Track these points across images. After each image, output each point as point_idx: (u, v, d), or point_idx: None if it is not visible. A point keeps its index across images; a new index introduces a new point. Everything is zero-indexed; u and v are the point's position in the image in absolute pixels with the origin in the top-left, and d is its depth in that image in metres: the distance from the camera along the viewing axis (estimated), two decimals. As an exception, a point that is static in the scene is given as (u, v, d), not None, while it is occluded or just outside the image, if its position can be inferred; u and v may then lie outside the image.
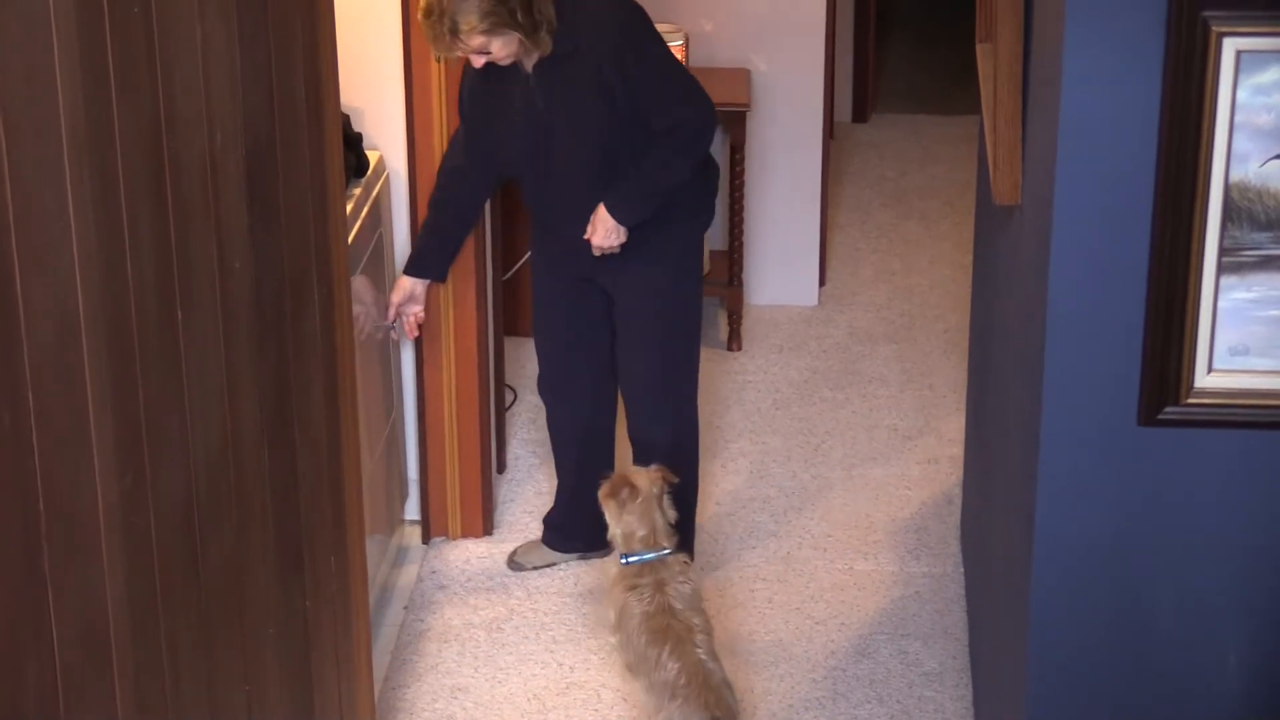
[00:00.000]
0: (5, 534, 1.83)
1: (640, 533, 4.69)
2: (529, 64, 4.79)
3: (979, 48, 4.44)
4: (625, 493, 4.70)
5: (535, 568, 5.49)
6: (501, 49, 4.71)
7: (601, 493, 4.77)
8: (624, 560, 4.70)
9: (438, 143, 5.17)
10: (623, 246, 4.94)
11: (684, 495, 5.26)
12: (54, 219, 1.95)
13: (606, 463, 5.37)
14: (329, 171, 3.20)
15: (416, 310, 5.16)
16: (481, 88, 4.89)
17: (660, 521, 4.72)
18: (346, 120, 4.93)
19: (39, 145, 1.91)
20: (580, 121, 4.82)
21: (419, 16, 4.69)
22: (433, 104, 5.15)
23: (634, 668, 4.62)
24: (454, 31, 4.62)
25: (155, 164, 2.28)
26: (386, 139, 5.23)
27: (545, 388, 5.37)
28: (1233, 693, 3.38)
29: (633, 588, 4.65)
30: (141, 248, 2.22)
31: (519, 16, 4.64)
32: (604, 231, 4.90)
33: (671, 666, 4.48)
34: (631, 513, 4.70)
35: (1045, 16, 3.40)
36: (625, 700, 4.86)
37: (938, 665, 5.02)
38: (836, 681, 4.96)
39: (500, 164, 5.06)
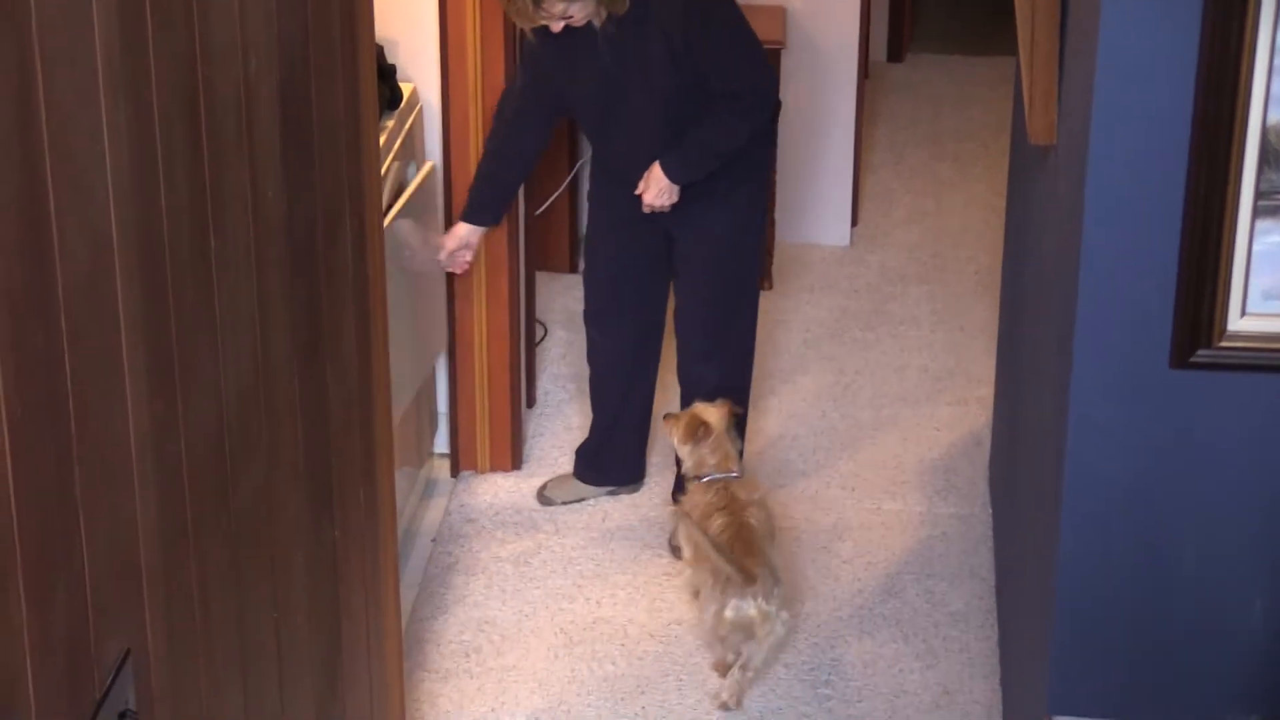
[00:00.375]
0: (38, 456, 1.83)
1: (712, 460, 4.86)
2: (599, 21, 4.79)
3: (1017, -13, 4.41)
4: (701, 431, 4.87)
5: (565, 502, 5.50)
6: (580, 11, 4.73)
7: (677, 436, 4.92)
8: (698, 480, 4.87)
9: (471, 76, 5.16)
10: (686, 191, 4.95)
11: (740, 432, 5.29)
12: (89, 144, 1.95)
13: (646, 400, 5.39)
14: (362, 103, 3.20)
15: (468, 255, 5.18)
16: (551, 41, 4.89)
17: (731, 450, 4.90)
18: (380, 52, 4.92)
19: (74, 72, 1.91)
20: (648, 80, 4.84)
21: None
22: (467, 37, 5.13)
23: (697, 577, 4.76)
24: (537, 2, 4.64)
25: (190, 91, 2.27)
26: (420, 71, 5.22)
27: (591, 319, 5.37)
28: (1259, 637, 3.37)
29: (706, 497, 4.82)
30: (175, 174, 2.21)
31: None
32: (656, 190, 4.94)
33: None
34: (704, 447, 4.88)
35: (1084, -44, 3.38)
36: (652, 636, 4.88)
37: (963, 606, 5.03)
38: (863, 620, 4.97)
39: (564, 113, 5.11)
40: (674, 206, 5.00)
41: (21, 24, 1.77)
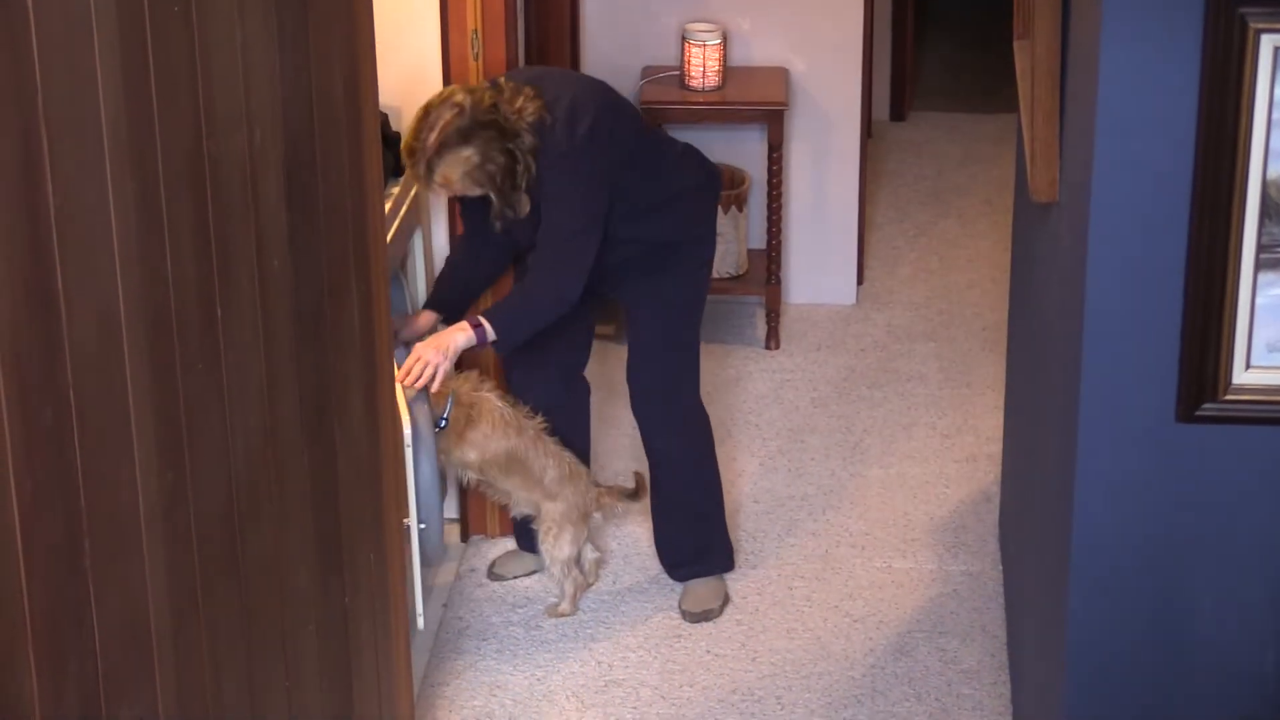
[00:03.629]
0: (47, 529, 1.84)
1: (434, 411, 4.93)
2: (498, 208, 4.78)
3: (1016, 44, 4.44)
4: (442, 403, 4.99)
5: (516, 577, 5.45)
6: (476, 192, 4.73)
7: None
8: (442, 423, 4.98)
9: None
10: (627, 265, 4.94)
11: (706, 500, 5.28)
12: (95, 218, 1.96)
13: (583, 453, 5.34)
14: (367, 171, 3.22)
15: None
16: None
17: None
18: (385, 119, 4.95)
19: (81, 145, 1.92)
20: (527, 227, 4.84)
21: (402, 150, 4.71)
22: (471, 103, 5.15)
23: (511, 492, 5.15)
24: (428, 179, 4.65)
25: (195, 163, 2.29)
26: (425, 138, 5.23)
27: (513, 386, 5.32)
28: (1272, 691, 3.37)
29: (470, 423, 5.02)
30: (181, 246, 2.23)
31: (498, 180, 4.67)
32: (430, 349, 4.74)
33: (550, 464, 5.11)
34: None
35: (1083, 13, 3.40)
36: (664, 699, 4.87)
37: (976, 663, 5.02)
38: (875, 679, 4.96)
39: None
40: (620, 274, 4.98)
41: (28, 96, 1.78)
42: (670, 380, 5.17)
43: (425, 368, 4.71)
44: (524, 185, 4.71)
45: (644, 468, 5.49)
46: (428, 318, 5.03)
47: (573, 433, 5.31)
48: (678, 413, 5.21)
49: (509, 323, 4.82)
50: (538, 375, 5.25)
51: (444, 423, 5.01)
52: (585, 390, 5.37)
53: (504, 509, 5.40)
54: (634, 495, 5.33)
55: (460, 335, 4.77)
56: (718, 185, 5.15)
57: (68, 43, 1.89)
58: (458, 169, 4.62)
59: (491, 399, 5.09)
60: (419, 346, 4.76)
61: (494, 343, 4.81)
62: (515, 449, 5.08)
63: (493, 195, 4.70)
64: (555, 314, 4.86)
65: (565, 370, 5.29)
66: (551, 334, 5.11)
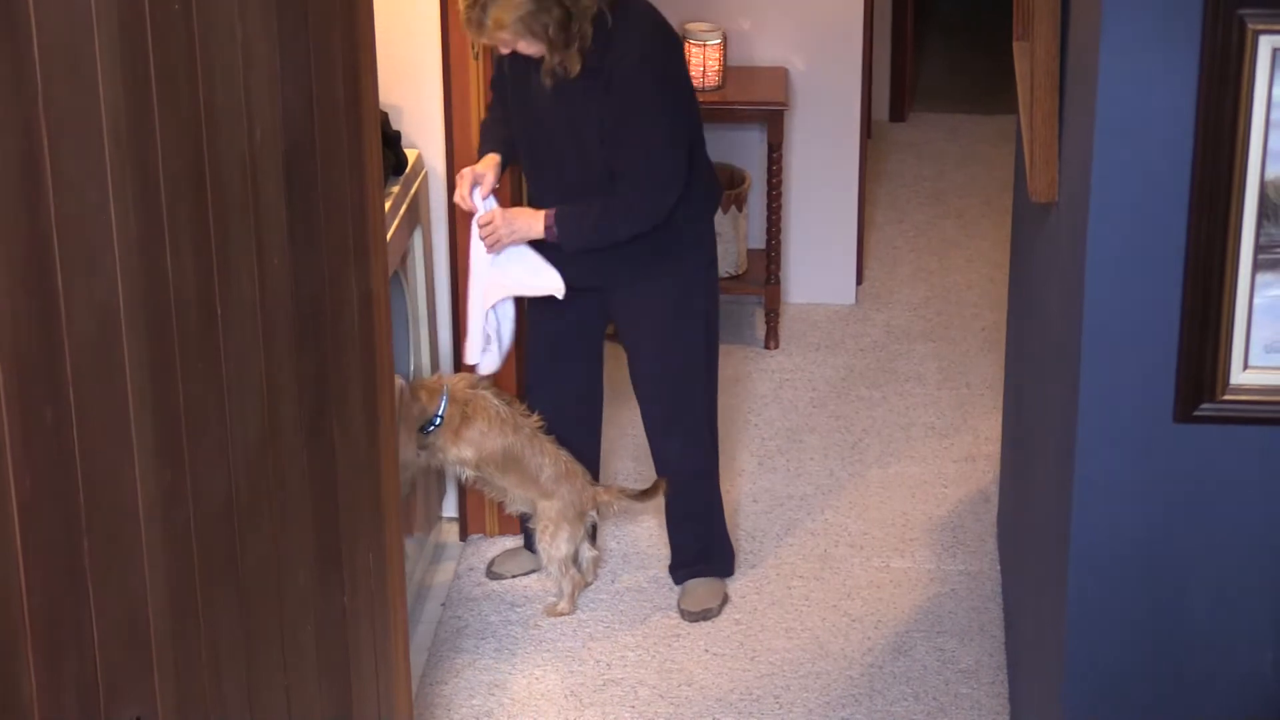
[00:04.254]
0: (47, 526, 1.84)
1: (429, 408, 5.05)
2: (550, 63, 4.78)
3: (1016, 45, 4.44)
4: (416, 409, 5.04)
5: (515, 576, 5.45)
6: (527, 48, 4.71)
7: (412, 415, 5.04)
8: (432, 428, 5.06)
9: (475, 141, 5.18)
10: (620, 271, 4.94)
11: (706, 511, 5.27)
12: (96, 216, 1.96)
13: (591, 465, 5.35)
14: (367, 169, 3.22)
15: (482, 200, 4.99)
16: (510, 62, 4.90)
17: (425, 384, 5.11)
18: (385, 118, 4.95)
19: (82, 144, 1.92)
20: (577, 131, 4.80)
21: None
22: (471, 102, 5.16)
23: (508, 489, 5.18)
24: (481, 23, 4.63)
25: (195, 162, 2.29)
26: (425, 137, 5.24)
27: (531, 392, 5.32)
28: (1270, 688, 3.37)
29: (466, 421, 5.07)
30: (181, 245, 2.23)
31: (551, 31, 4.63)
32: (506, 224, 4.88)
33: (546, 463, 5.12)
34: (414, 409, 5.03)
35: (1082, 14, 3.40)
36: (663, 698, 4.87)
37: (974, 662, 5.02)
38: (873, 679, 4.96)
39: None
40: (609, 284, 4.98)
41: (28, 96, 1.78)
42: (677, 385, 5.16)
43: (493, 234, 4.87)
44: (577, 45, 4.69)
45: (647, 467, 5.49)
46: (492, 160, 4.99)
47: (584, 442, 5.32)
48: (683, 417, 5.20)
49: (577, 234, 4.88)
50: (553, 387, 5.25)
51: (439, 420, 5.02)
52: (599, 400, 5.36)
53: (501, 506, 5.41)
54: (642, 496, 5.29)
55: (537, 225, 4.87)
56: (718, 195, 5.16)
57: (68, 41, 1.89)
58: (511, 13, 4.61)
59: (488, 396, 5.09)
60: (500, 217, 4.87)
61: (558, 242, 4.88)
62: (511, 447, 5.09)
63: (545, 49, 4.68)
64: (631, 234, 4.89)
65: (583, 382, 5.29)
66: (571, 342, 5.12)
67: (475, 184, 4.91)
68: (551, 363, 5.23)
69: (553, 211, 4.86)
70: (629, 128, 4.78)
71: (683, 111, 4.90)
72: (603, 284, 5.04)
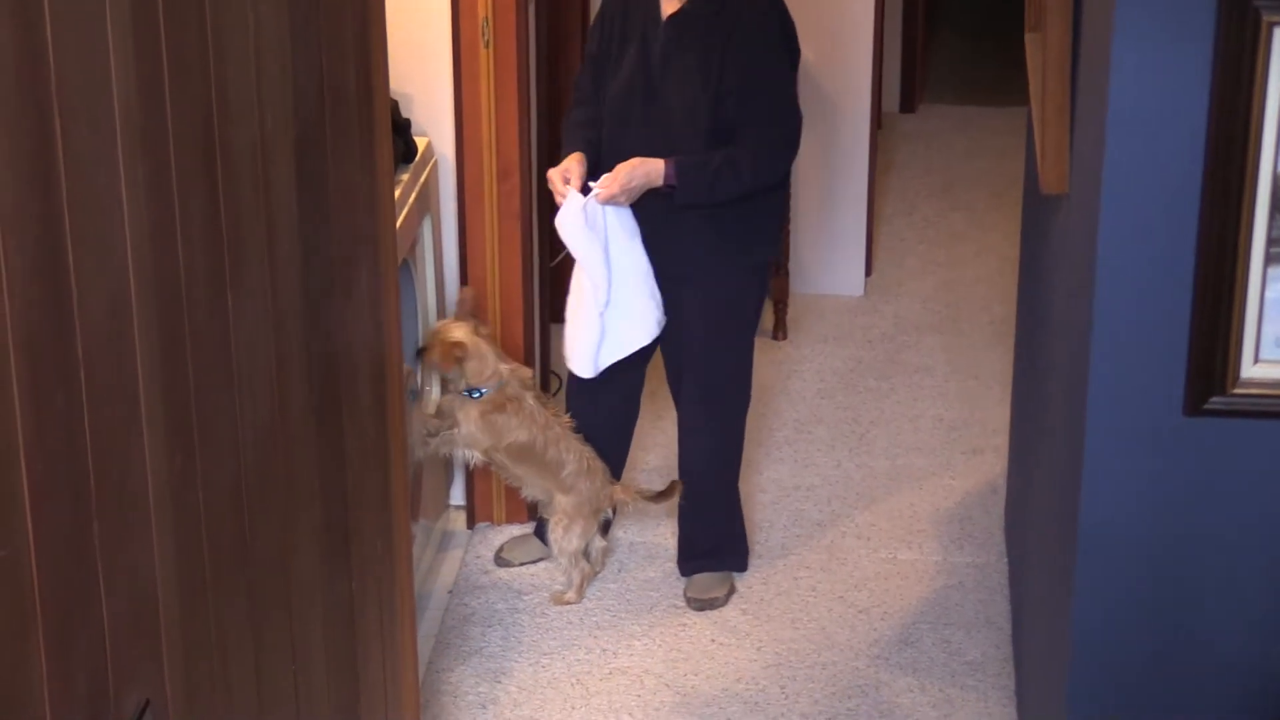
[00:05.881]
0: (58, 510, 1.84)
1: (486, 372, 5.06)
2: (670, 5, 4.78)
3: (1028, 37, 4.43)
4: (458, 350, 5.04)
5: (523, 564, 5.45)
6: None
7: (439, 364, 5.08)
8: (475, 394, 5.09)
9: (485, 130, 5.18)
10: (674, 274, 4.93)
11: (724, 509, 5.28)
12: (107, 204, 1.96)
13: (621, 458, 5.36)
14: (378, 156, 3.22)
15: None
16: (612, 27, 4.89)
17: (491, 355, 5.11)
18: (395, 106, 4.95)
19: (94, 132, 1.92)
20: (684, 88, 4.79)
21: None
22: (481, 92, 5.16)
23: (524, 477, 5.21)
24: None
25: (207, 149, 2.29)
26: (435, 125, 5.25)
27: (577, 394, 5.31)
28: (1276, 681, 3.37)
29: (499, 409, 5.08)
30: (192, 230, 2.23)
31: None
32: (626, 175, 4.84)
33: (570, 459, 5.13)
34: (469, 363, 5.05)
35: (1095, 5, 3.40)
36: (668, 687, 4.87)
37: (980, 655, 5.02)
38: (879, 670, 4.96)
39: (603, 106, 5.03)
40: (669, 272, 4.97)
41: (41, 79, 1.79)
42: (720, 381, 5.17)
43: (612, 184, 4.82)
44: None
45: (658, 468, 5.49)
46: (578, 157, 4.98)
47: (616, 443, 5.32)
48: (718, 415, 5.21)
49: (696, 183, 4.85)
50: (592, 392, 5.25)
51: (482, 392, 5.06)
52: (636, 408, 5.36)
53: (512, 493, 5.42)
54: (658, 498, 5.30)
55: (657, 172, 4.83)
56: (787, 190, 5.19)
57: (81, 26, 1.89)
58: None
59: (528, 398, 5.12)
60: (623, 167, 4.82)
61: (673, 191, 4.86)
62: (534, 442, 5.10)
63: None
64: (750, 188, 4.89)
65: (628, 384, 5.29)
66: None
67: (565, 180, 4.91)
68: (600, 377, 5.22)
69: (673, 160, 4.83)
70: (754, 81, 4.80)
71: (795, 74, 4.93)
72: (680, 274, 5.02)
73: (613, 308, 4.96)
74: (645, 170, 4.82)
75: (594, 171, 4.93)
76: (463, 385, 5.09)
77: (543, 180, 5.36)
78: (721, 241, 4.96)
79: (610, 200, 4.82)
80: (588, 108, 5.03)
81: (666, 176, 4.82)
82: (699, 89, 4.78)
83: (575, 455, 5.14)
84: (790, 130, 4.89)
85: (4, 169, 1.71)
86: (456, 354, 5.03)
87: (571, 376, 5.26)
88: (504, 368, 5.12)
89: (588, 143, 4.99)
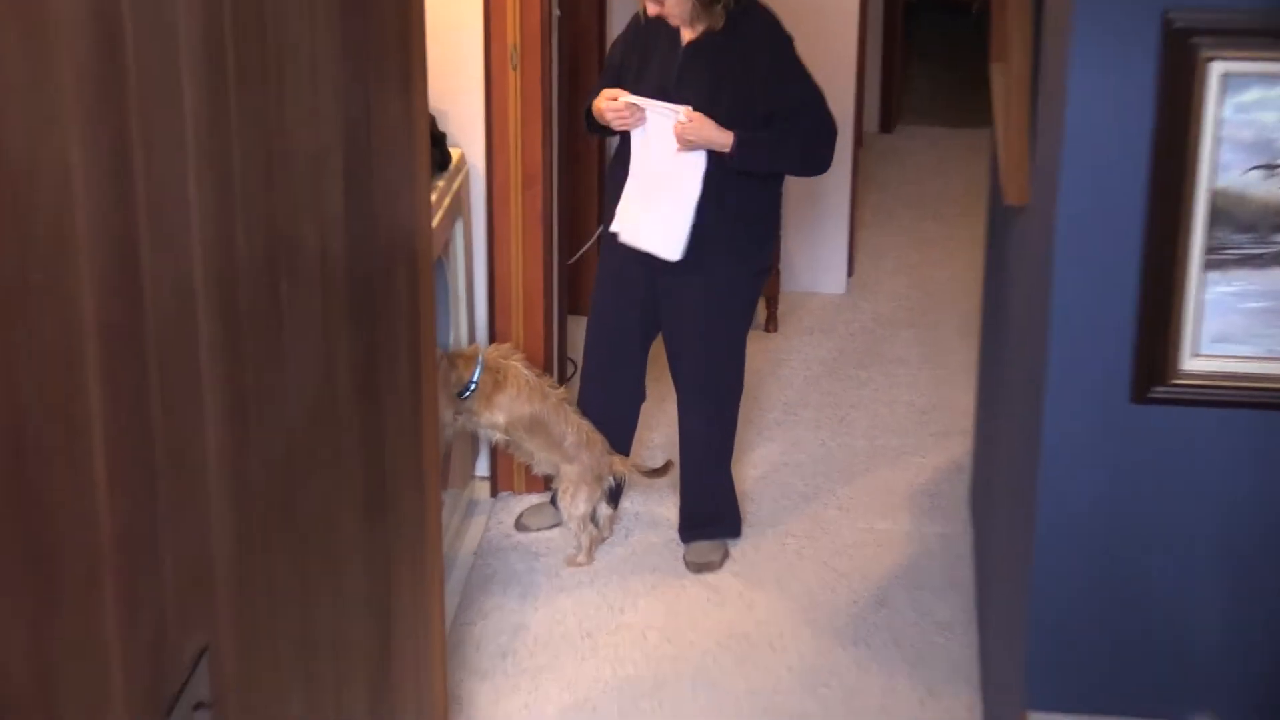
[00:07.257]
0: (128, 474, 1.85)
1: (465, 375, 5.04)
2: (689, 34, 4.76)
3: (993, 66, 4.44)
4: (454, 376, 5.02)
5: (540, 529, 5.45)
6: (675, 6, 4.68)
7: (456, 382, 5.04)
8: (467, 392, 5.04)
9: (512, 142, 5.18)
10: (679, 269, 4.91)
11: (719, 483, 5.28)
12: (177, 204, 1.97)
13: (629, 434, 5.35)
14: (417, 166, 3.22)
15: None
16: (632, 46, 4.87)
17: (461, 356, 5.08)
18: (432, 121, 4.95)
19: (167, 146, 1.93)
20: (697, 104, 4.78)
21: None
22: (508, 108, 5.17)
23: (534, 452, 5.19)
24: None
25: (266, 160, 2.29)
26: (467, 138, 5.25)
27: (590, 377, 5.31)
28: (1215, 641, 3.37)
29: (498, 388, 5.05)
30: (252, 232, 2.23)
31: None
32: (701, 122, 4.74)
33: (569, 432, 5.11)
34: (448, 374, 5.01)
35: (1053, 39, 3.40)
36: (669, 640, 4.88)
37: (948, 615, 5.02)
38: (858, 628, 4.97)
39: None
40: (667, 277, 4.93)
41: (121, 95, 1.79)
42: (716, 370, 5.16)
43: (684, 133, 4.72)
44: (721, 3, 4.69)
45: (661, 445, 5.49)
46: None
47: (622, 420, 5.31)
48: (714, 399, 5.20)
49: (753, 153, 4.80)
50: (602, 379, 5.24)
51: (473, 386, 5.03)
52: (642, 390, 5.36)
53: (529, 468, 5.42)
54: (652, 474, 5.32)
55: (719, 141, 4.75)
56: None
57: (158, 47, 1.89)
58: None
59: (518, 366, 5.10)
60: (691, 124, 4.71)
61: (730, 158, 4.79)
62: (539, 413, 5.10)
63: (692, 4, 4.67)
64: (801, 166, 4.90)
65: (632, 374, 5.28)
66: (628, 340, 5.11)
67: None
68: (610, 360, 5.21)
69: (737, 132, 4.77)
70: (788, 81, 4.79)
71: None
72: (653, 283, 5.01)
73: (655, 204, 4.88)
74: (712, 132, 4.77)
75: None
76: (457, 389, 5.08)
77: (563, 187, 5.38)
78: (728, 251, 4.96)
79: (686, 130, 4.75)
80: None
81: (730, 145, 4.77)
82: (708, 106, 4.77)
83: (574, 429, 5.15)
84: (832, 121, 4.91)
85: (89, 174, 1.71)
86: (453, 377, 5.03)
87: (583, 367, 5.26)
88: (469, 349, 5.12)
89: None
